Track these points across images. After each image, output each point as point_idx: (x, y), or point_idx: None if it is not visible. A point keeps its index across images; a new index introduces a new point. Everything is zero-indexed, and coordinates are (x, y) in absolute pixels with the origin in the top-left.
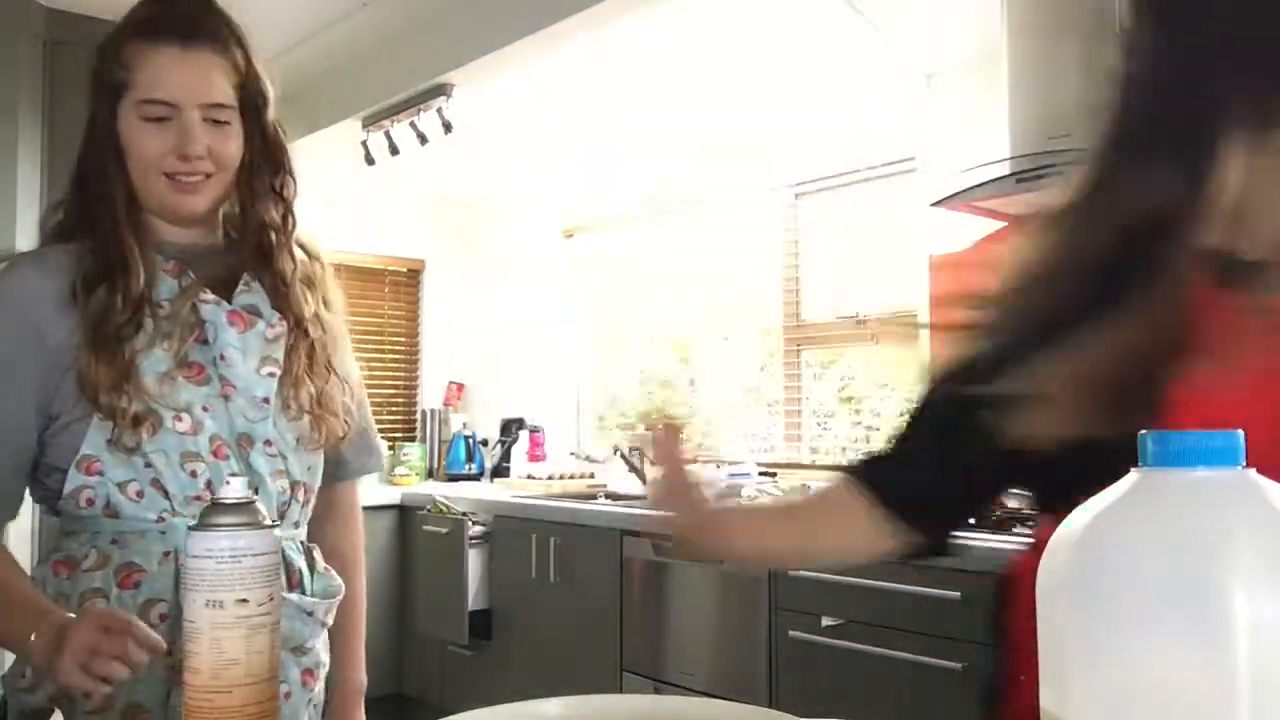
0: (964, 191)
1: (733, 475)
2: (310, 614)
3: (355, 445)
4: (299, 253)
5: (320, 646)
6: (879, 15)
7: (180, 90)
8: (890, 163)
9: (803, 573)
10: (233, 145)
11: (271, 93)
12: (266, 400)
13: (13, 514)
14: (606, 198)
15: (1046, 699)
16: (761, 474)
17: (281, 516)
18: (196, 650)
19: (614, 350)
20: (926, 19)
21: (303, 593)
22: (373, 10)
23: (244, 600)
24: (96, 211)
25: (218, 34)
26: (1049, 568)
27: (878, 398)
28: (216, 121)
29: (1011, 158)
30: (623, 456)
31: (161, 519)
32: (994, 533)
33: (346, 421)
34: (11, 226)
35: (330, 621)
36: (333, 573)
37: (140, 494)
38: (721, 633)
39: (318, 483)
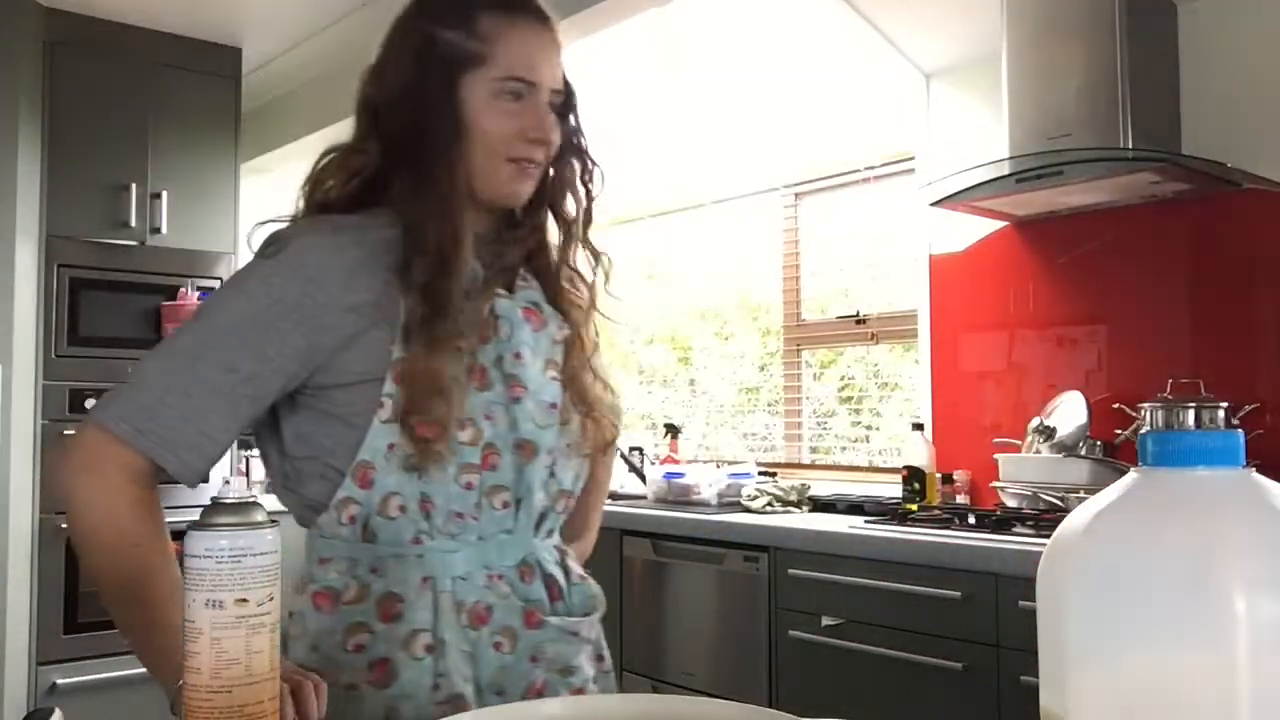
0: (964, 191)
1: (733, 475)
2: (575, 634)
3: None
4: (583, 250)
5: (586, 660)
6: (879, 15)
7: (542, 70)
8: (890, 163)
9: (803, 572)
10: (561, 133)
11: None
12: (554, 405)
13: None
14: (606, 198)
15: (1047, 699)
16: (761, 474)
17: (537, 527)
18: (196, 650)
19: (614, 350)
20: (926, 19)
21: (566, 605)
22: (373, 10)
23: (244, 600)
24: (427, 188)
25: (545, 10)
26: (1049, 567)
27: (877, 398)
28: (554, 106)
29: (1011, 157)
30: (623, 456)
31: (418, 540)
32: (994, 532)
33: (614, 425)
34: (11, 226)
35: (595, 635)
36: (589, 580)
37: (402, 509)
38: (721, 633)
39: (580, 490)
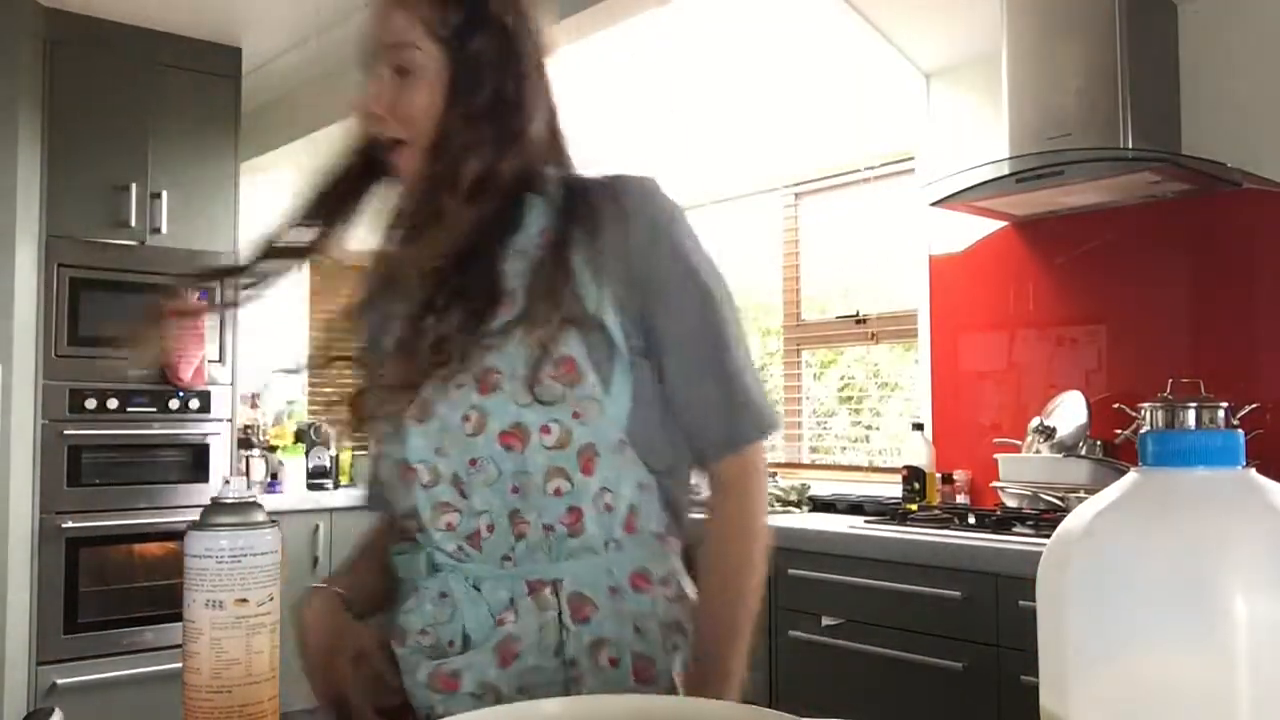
0: (964, 191)
1: None
2: None
3: None
4: None
5: None
6: (879, 15)
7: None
8: (890, 163)
9: (803, 572)
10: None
11: None
12: None
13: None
14: None
15: (1046, 699)
16: None
17: None
18: (196, 650)
19: None
20: (926, 19)
21: None
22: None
23: (244, 600)
24: None
25: None
26: (1049, 568)
27: (877, 397)
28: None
29: (1011, 157)
30: None
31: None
32: (994, 532)
33: None
34: (11, 226)
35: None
36: None
37: (450, 526)
38: None
39: None
